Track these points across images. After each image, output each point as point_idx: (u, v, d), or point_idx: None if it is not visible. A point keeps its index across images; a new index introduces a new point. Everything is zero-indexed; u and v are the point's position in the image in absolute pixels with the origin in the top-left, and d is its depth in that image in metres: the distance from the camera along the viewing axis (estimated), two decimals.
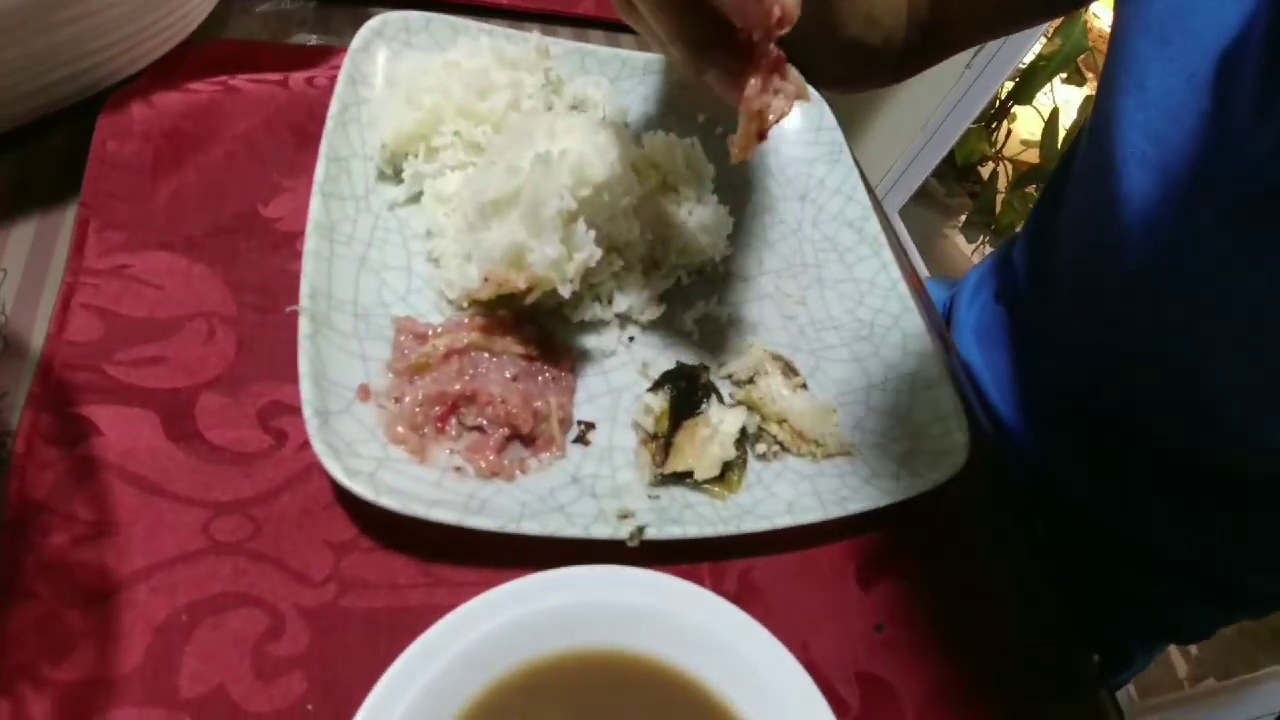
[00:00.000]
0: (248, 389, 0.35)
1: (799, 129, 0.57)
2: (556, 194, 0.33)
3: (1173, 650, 1.65)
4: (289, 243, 0.39)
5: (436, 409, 0.34)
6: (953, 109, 1.98)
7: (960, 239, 2.37)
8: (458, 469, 0.34)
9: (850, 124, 2.30)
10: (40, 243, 0.37)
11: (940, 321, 0.57)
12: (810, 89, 0.52)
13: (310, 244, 0.36)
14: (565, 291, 0.35)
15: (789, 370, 0.43)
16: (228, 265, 0.38)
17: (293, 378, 0.33)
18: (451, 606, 0.29)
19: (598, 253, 0.35)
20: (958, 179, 2.39)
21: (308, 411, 0.31)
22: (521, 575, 0.31)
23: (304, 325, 0.34)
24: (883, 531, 0.41)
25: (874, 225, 0.53)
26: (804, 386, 0.43)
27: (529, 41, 0.47)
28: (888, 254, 0.52)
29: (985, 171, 2.31)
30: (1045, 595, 0.45)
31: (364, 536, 0.33)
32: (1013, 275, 0.66)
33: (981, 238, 2.31)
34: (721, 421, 0.38)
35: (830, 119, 0.58)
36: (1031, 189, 2.14)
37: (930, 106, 2.00)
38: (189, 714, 0.28)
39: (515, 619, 0.30)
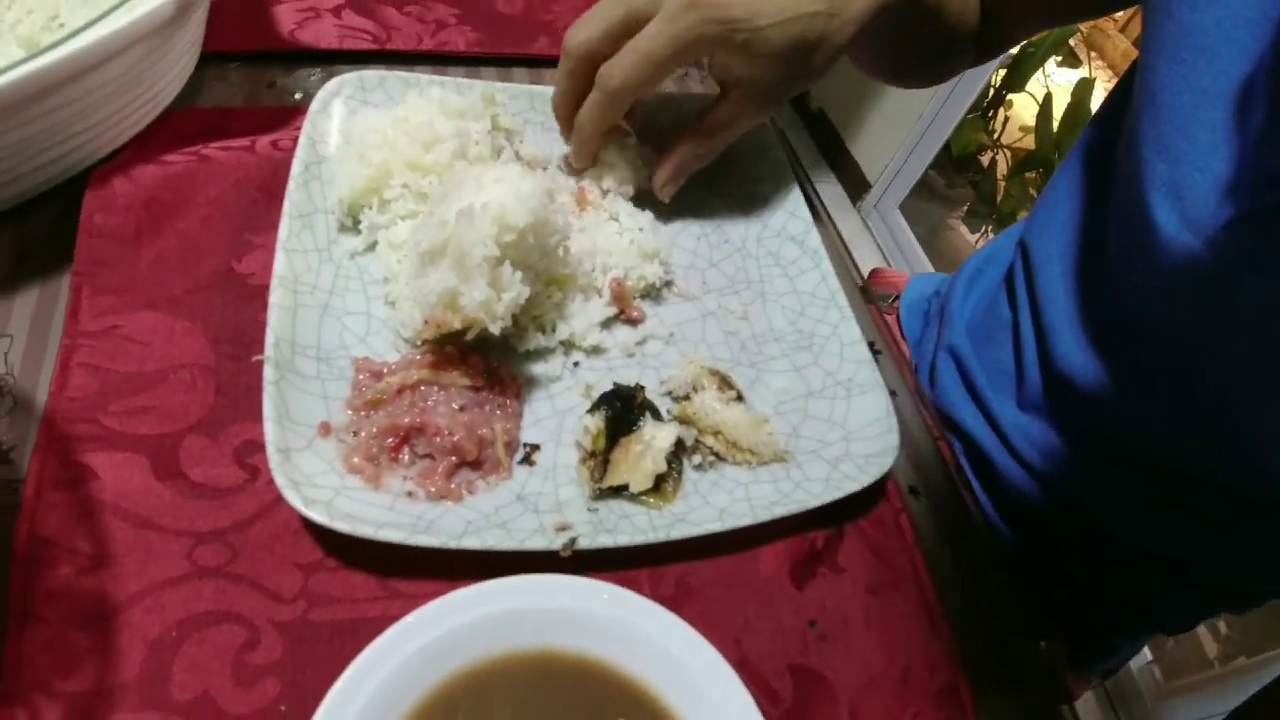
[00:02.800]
0: (225, 430, 0.39)
1: (745, 151, 0.60)
2: (480, 243, 0.37)
3: (1202, 629, 1.64)
4: (260, 295, 0.43)
5: (390, 440, 0.39)
6: (946, 100, 2.00)
7: (964, 229, 2.38)
8: (410, 494, 0.38)
9: (846, 123, 2.32)
10: (41, 309, 0.42)
11: (885, 324, 0.59)
12: None
13: (275, 297, 0.41)
14: (495, 329, 0.39)
15: (724, 384, 0.46)
16: (206, 320, 0.42)
17: (264, 419, 0.37)
18: (407, 615, 0.34)
19: (525, 292, 0.39)
20: (957, 170, 2.40)
21: (271, 450, 0.35)
22: (468, 584, 0.35)
23: (268, 372, 0.38)
24: (818, 531, 0.44)
25: (815, 239, 0.56)
26: (739, 399, 0.46)
27: (475, 90, 0.51)
28: (827, 265, 0.55)
29: (984, 160, 2.32)
30: (989, 587, 0.47)
31: (329, 557, 0.37)
32: (1023, 259, 0.65)
33: (985, 227, 2.31)
34: (654, 437, 0.41)
35: (773, 137, 0.61)
36: (1032, 175, 2.14)
37: (924, 99, 2.02)
38: (179, 717, 0.33)
39: (458, 625, 0.34)
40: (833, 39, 0.48)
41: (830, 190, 2.45)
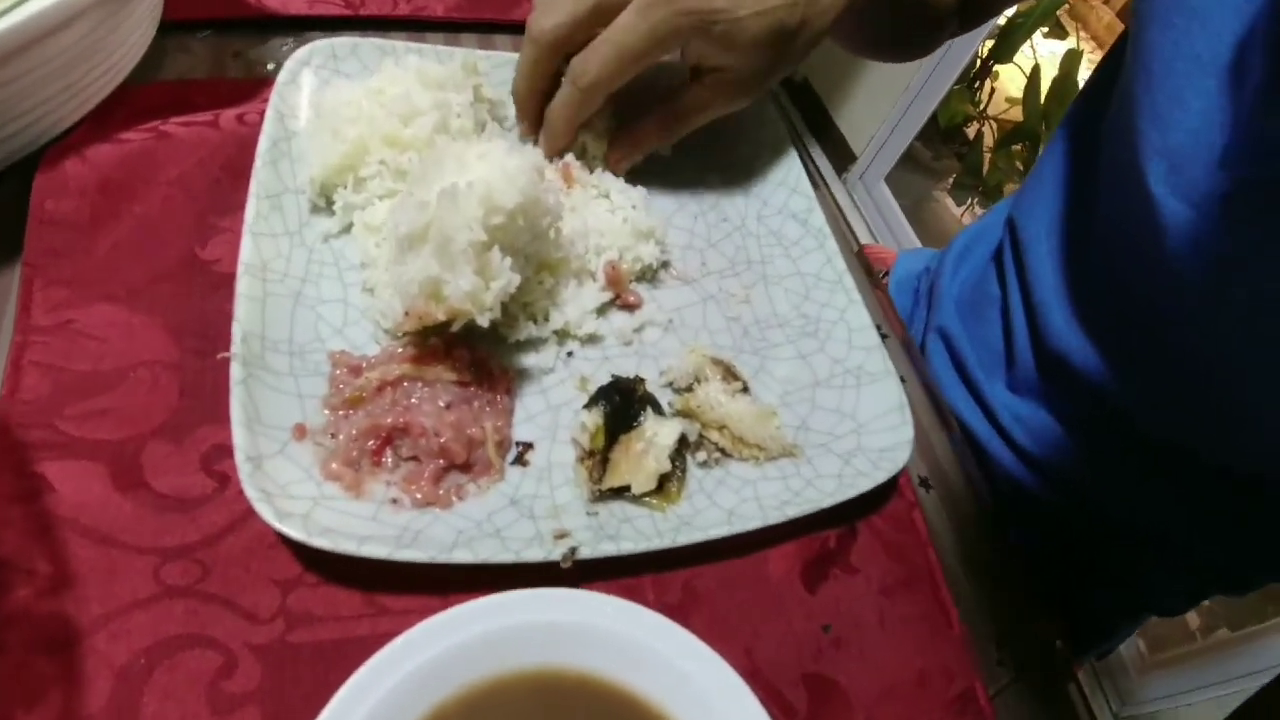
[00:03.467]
0: (191, 434, 0.36)
1: (742, 124, 0.57)
2: (465, 226, 0.33)
3: None
4: (227, 283, 0.40)
5: (371, 443, 0.36)
6: (933, 71, 1.97)
7: (949, 201, 2.36)
8: (394, 501, 0.35)
9: (831, 93, 2.29)
10: None
11: (893, 308, 0.57)
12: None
13: (241, 286, 0.37)
14: (483, 321, 0.36)
15: (729, 375, 0.44)
16: (167, 312, 0.39)
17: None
18: (396, 635, 0.31)
19: (516, 279, 0.36)
20: (943, 141, 2.37)
21: (240, 458, 0.32)
22: (463, 600, 0.32)
23: (235, 371, 0.35)
24: (831, 530, 0.42)
25: (818, 217, 0.53)
26: (744, 390, 0.44)
27: (456, 58, 0.47)
28: (832, 245, 0.52)
29: (970, 132, 2.29)
30: (1004, 584, 0.46)
31: (308, 572, 0.34)
32: (1011, 236, 0.63)
33: (970, 199, 2.29)
34: (656, 434, 0.39)
35: (773, 112, 0.58)
36: (1018, 147, 2.12)
37: (911, 70, 1.99)
38: None
39: (452, 645, 0.31)
40: (813, 24, 0.45)
41: (815, 162, 2.42)
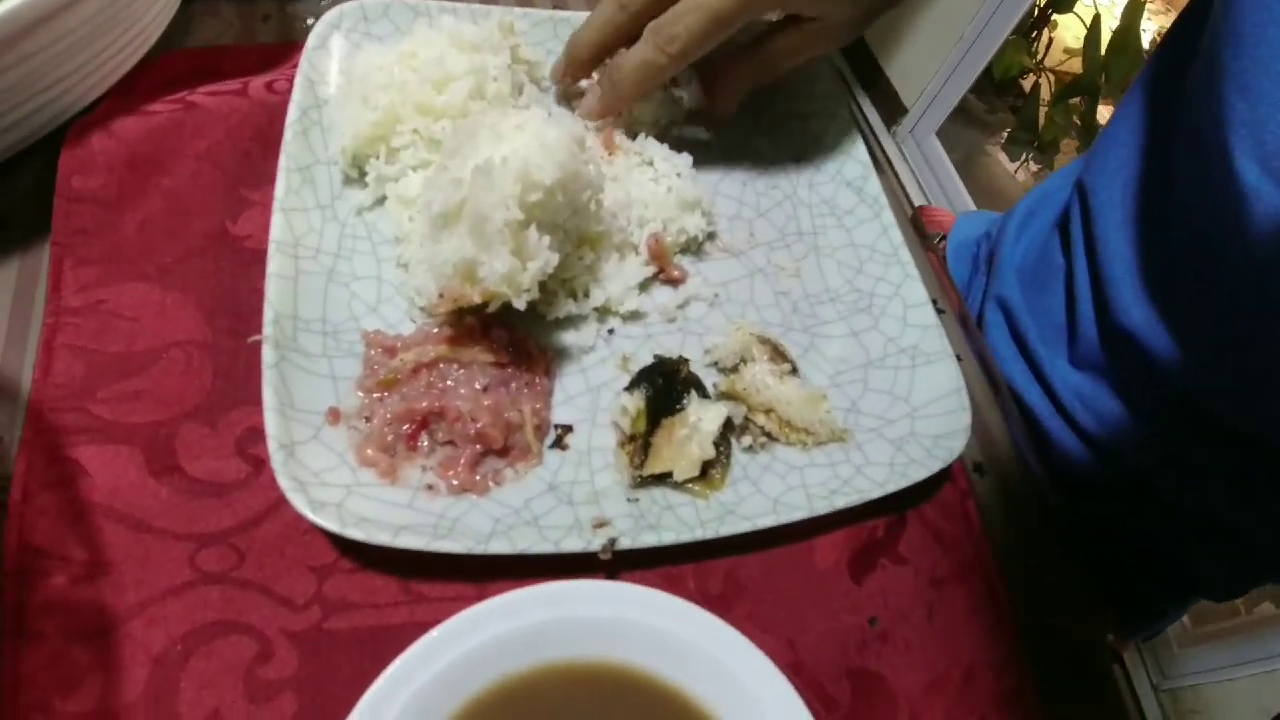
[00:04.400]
0: (225, 417, 0.36)
1: (792, 83, 0.53)
2: (501, 205, 0.32)
3: None
4: (260, 259, 0.39)
5: (406, 427, 0.34)
6: (989, 20, 1.87)
7: (1003, 156, 2.26)
8: (430, 487, 0.34)
9: (882, 44, 2.19)
10: (22, 284, 0.38)
11: (948, 279, 0.54)
12: None
13: (273, 265, 0.36)
14: (520, 303, 0.34)
15: (777, 355, 0.42)
16: (200, 290, 0.38)
17: None
18: (432, 623, 0.30)
19: (554, 259, 0.34)
20: (997, 94, 2.26)
21: (272, 446, 0.31)
22: (501, 588, 0.32)
23: (268, 354, 0.34)
24: (880, 519, 0.40)
25: (874, 184, 0.50)
26: (793, 371, 0.42)
27: (491, 18, 0.45)
28: (888, 216, 0.49)
29: (1026, 85, 2.18)
30: (1056, 578, 0.44)
31: (344, 559, 0.34)
32: (1081, 203, 0.59)
33: (1025, 154, 2.19)
34: (701, 419, 0.37)
35: (827, 69, 0.55)
36: (1076, 101, 2.02)
37: (965, 18, 1.89)
38: None
39: (492, 637, 0.30)
40: None
41: (866, 117, 2.33)
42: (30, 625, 0.30)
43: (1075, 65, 2.06)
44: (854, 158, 0.51)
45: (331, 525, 0.30)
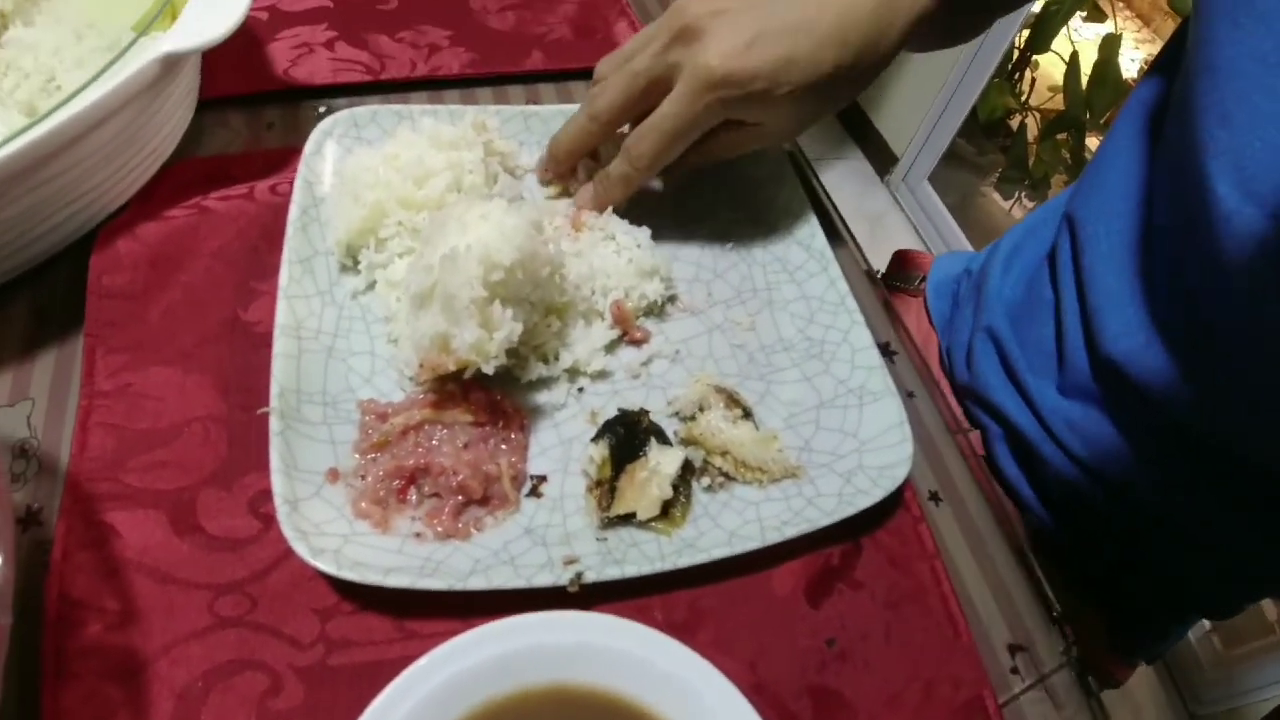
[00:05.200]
0: (239, 481, 0.40)
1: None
2: (467, 284, 0.37)
3: None
4: (267, 342, 0.44)
5: (396, 482, 0.39)
6: (970, 65, 1.95)
7: (997, 196, 2.32)
8: (418, 535, 0.39)
9: (869, 97, 2.28)
10: (59, 370, 0.43)
11: (903, 326, 0.57)
12: None
13: (278, 346, 0.41)
14: (489, 369, 0.39)
15: (731, 402, 0.46)
16: (215, 371, 0.43)
17: None
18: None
19: (518, 328, 0.39)
20: (986, 135, 2.33)
21: (278, 502, 0.36)
22: (484, 621, 0.35)
23: (274, 424, 0.39)
24: (835, 547, 0.44)
25: (820, 240, 0.55)
26: (746, 416, 0.46)
27: (466, 118, 0.51)
28: (835, 269, 0.53)
29: (1013, 124, 2.25)
30: (1019, 593, 0.46)
31: (344, 602, 0.38)
32: (1070, 234, 0.60)
33: (1017, 192, 2.24)
34: (659, 463, 0.41)
35: None
36: (1063, 136, 2.07)
37: (947, 65, 1.97)
38: None
39: (472, 664, 0.34)
40: (861, 81, 0.48)
41: (857, 166, 2.40)
42: (69, 667, 0.35)
43: (1059, 102, 2.11)
44: (802, 217, 0.56)
45: (330, 569, 0.35)
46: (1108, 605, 0.68)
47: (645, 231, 0.51)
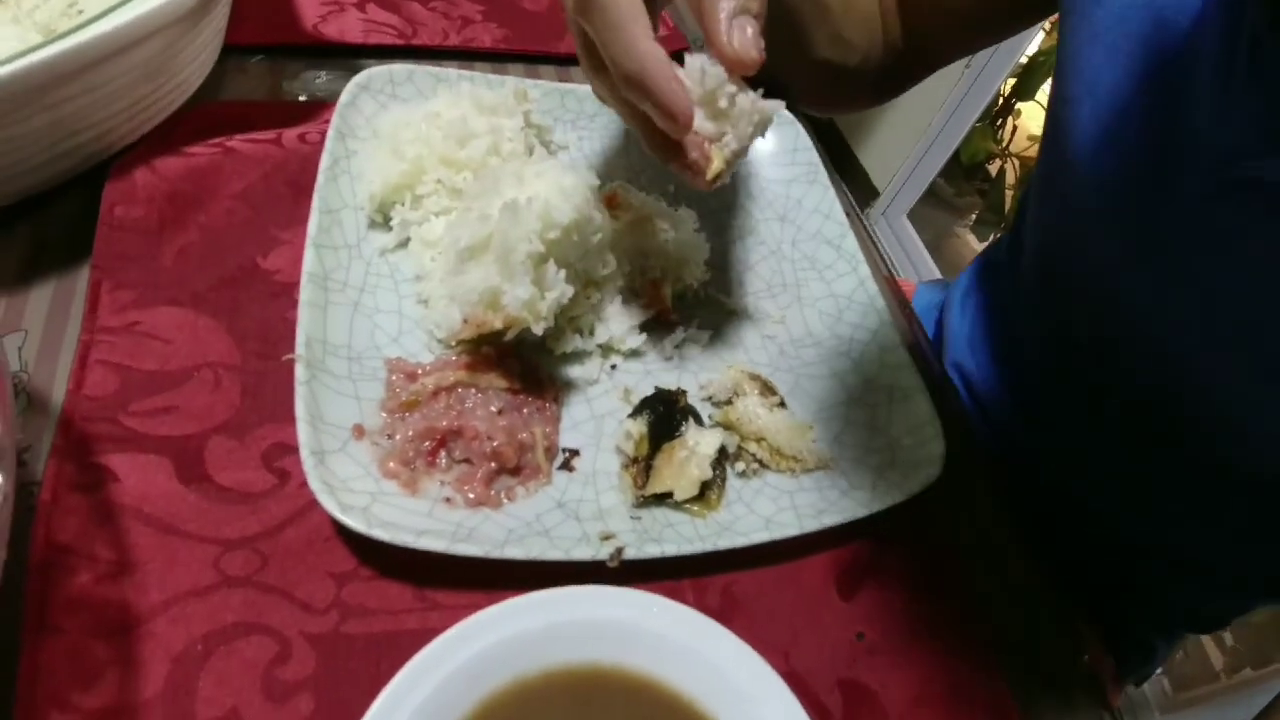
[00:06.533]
0: (252, 432, 0.38)
1: (775, 152, 0.59)
2: (525, 239, 0.35)
3: (1206, 642, 1.63)
4: (287, 292, 0.42)
5: (426, 444, 0.37)
6: (955, 109, 1.99)
7: (971, 237, 2.37)
8: (448, 500, 0.36)
9: (855, 130, 2.32)
10: (57, 303, 0.40)
11: (922, 330, 0.58)
12: (786, 112, 0.54)
13: (305, 294, 0.39)
14: (538, 329, 0.38)
15: (766, 389, 0.45)
16: (231, 317, 0.41)
17: (294, 420, 0.35)
18: (445, 628, 0.32)
19: (569, 291, 0.38)
20: (965, 178, 2.39)
21: (304, 452, 0.34)
22: (510, 597, 0.33)
23: (300, 372, 0.36)
24: (864, 541, 0.43)
25: (851, 242, 0.55)
26: (781, 405, 0.45)
27: (507, 86, 0.50)
28: (865, 269, 0.53)
29: (993, 169, 2.31)
30: (1034, 596, 0.46)
31: (363, 566, 0.35)
32: (999, 277, 0.65)
33: (992, 235, 2.30)
34: (698, 443, 0.40)
35: (806, 140, 0.60)
36: None
37: (933, 107, 2.01)
38: None
39: (502, 639, 0.32)
40: None
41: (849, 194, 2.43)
42: (52, 620, 0.31)
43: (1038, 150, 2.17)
44: (832, 219, 0.56)
45: (359, 526, 0.32)
46: (1096, 623, 0.68)
47: (690, 214, 0.49)
